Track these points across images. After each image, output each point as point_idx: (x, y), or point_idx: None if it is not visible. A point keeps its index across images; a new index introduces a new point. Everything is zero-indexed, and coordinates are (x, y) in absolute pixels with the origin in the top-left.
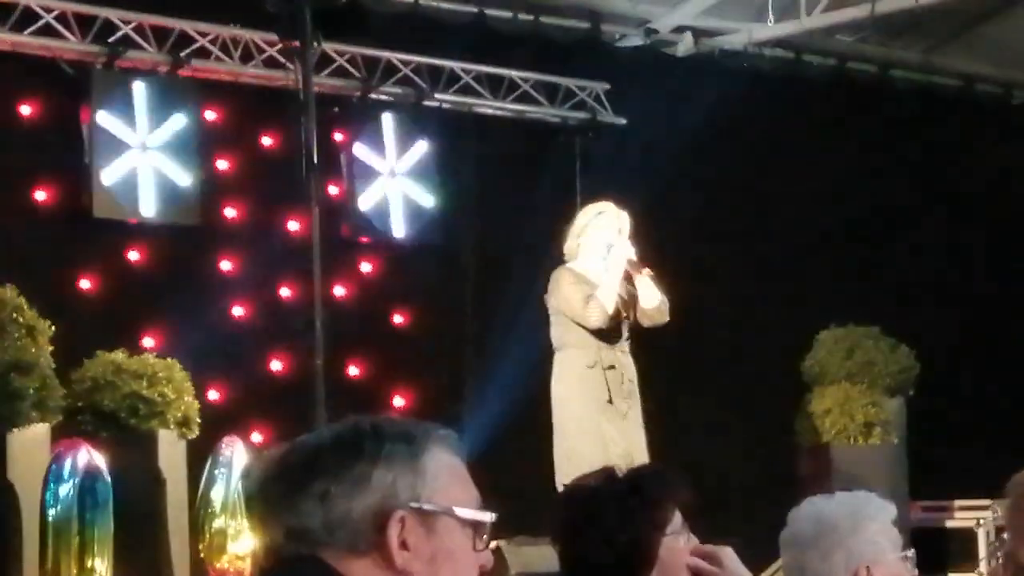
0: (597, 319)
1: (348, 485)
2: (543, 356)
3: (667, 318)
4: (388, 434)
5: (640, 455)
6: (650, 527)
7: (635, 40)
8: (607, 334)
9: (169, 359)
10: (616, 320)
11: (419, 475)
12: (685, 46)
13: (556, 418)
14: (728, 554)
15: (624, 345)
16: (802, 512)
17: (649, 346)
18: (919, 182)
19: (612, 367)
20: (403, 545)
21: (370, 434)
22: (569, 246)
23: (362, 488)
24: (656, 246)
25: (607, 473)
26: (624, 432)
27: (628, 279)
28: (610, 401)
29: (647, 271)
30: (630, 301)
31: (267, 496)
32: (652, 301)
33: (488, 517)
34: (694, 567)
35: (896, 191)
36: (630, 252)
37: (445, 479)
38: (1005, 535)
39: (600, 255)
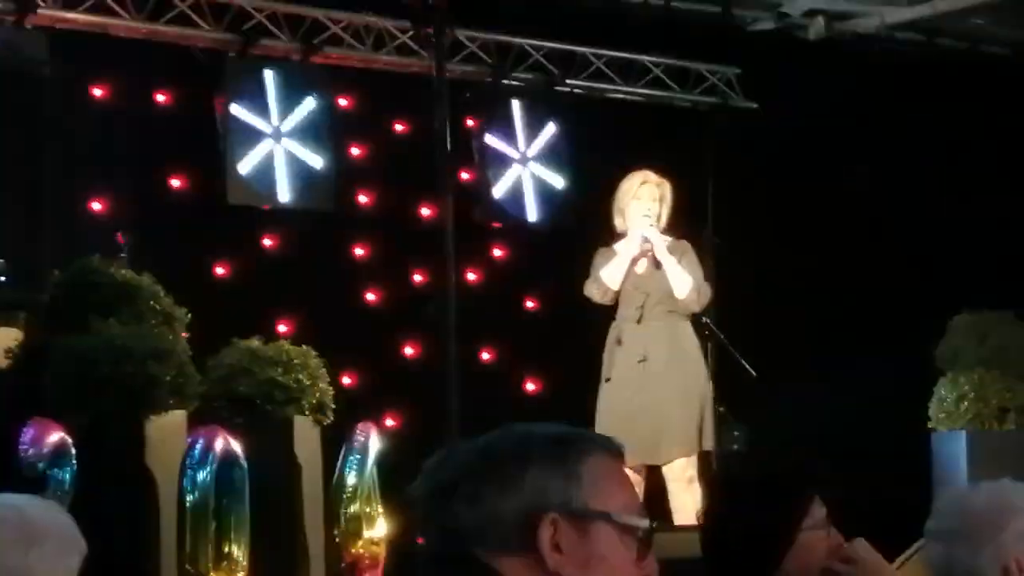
0: (595, 297)
1: (498, 486)
2: None
3: (699, 307)
4: (542, 437)
5: (655, 437)
6: (787, 518)
7: (767, 24)
8: (626, 310)
9: (304, 346)
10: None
11: (573, 478)
12: (816, 30)
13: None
14: (862, 546)
15: (650, 322)
16: (948, 504)
17: (778, 332)
18: None
19: (620, 342)
20: (556, 547)
21: (523, 438)
22: (616, 220)
23: (513, 489)
24: (786, 230)
25: (751, 460)
26: (627, 411)
27: (654, 260)
28: (607, 379)
29: (672, 256)
30: (649, 279)
31: (422, 497)
32: (682, 290)
33: (645, 523)
34: (831, 569)
35: None
36: (651, 234)
37: (602, 484)
38: None
39: (635, 227)
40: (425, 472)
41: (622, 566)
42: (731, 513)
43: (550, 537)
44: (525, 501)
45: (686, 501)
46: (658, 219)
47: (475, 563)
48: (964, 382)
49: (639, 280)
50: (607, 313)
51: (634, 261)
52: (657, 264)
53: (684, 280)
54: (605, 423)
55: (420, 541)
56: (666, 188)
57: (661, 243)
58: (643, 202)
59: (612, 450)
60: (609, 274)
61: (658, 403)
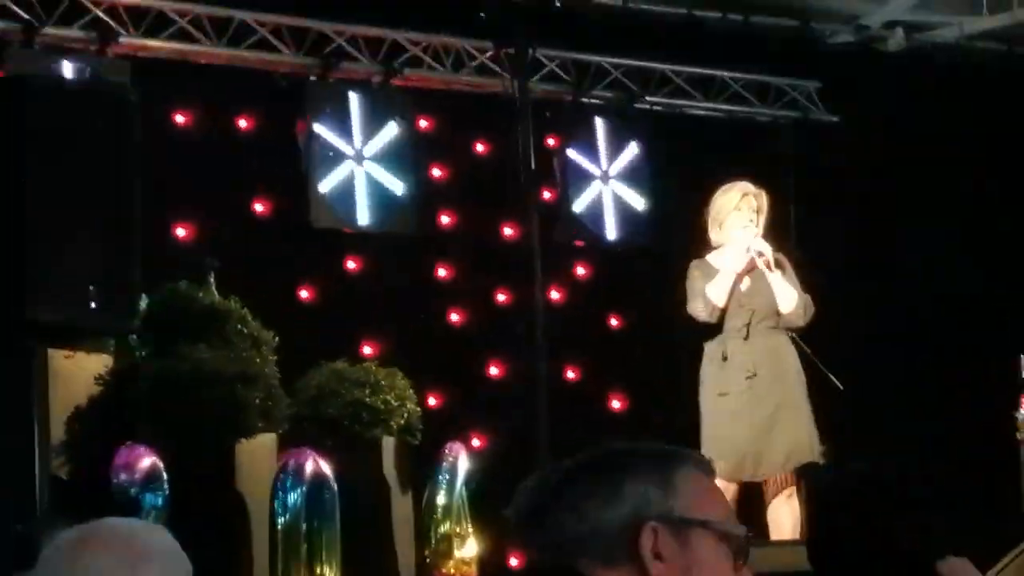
0: (701, 316)
1: (599, 499)
2: None
3: (803, 322)
4: (639, 452)
5: (759, 452)
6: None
7: (845, 37)
8: (732, 326)
9: (390, 367)
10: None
11: (671, 488)
12: (896, 41)
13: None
14: (960, 566)
15: (755, 339)
16: None
17: (867, 347)
18: None
19: (725, 358)
20: (657, 556)
21: (621, 452)
22: (712, 233)
23: (613, 501)
24: (867, 243)
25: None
26: (737, 426)
27: (762, 270)
28: (722, 394)
29: (777, 270)
30: (755, 295)
31: (524, 513)
32: (787, 305)
33: (742, 531)
34: None
35: None
36: (759, 245)
37: (697, 495)
38: None
39: (737, 241)
40: (525, 489)
41: (721, 573)
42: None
43: (651, 546)
44: (626, 512)
45: (784, 515)
46: (760, 229)
47: (579, 575)
48: None
49: (743, 296)
50: (691, 329)
51: (739, 276)
52: (763, 276)
53: (791, 295)
54: (715, 436)
55: (513, 561)
56: (763, 199)
57: (771, 253)
58: (744, 213)
59: (703, 465)
60: (716, 291)
61: (765, 419)
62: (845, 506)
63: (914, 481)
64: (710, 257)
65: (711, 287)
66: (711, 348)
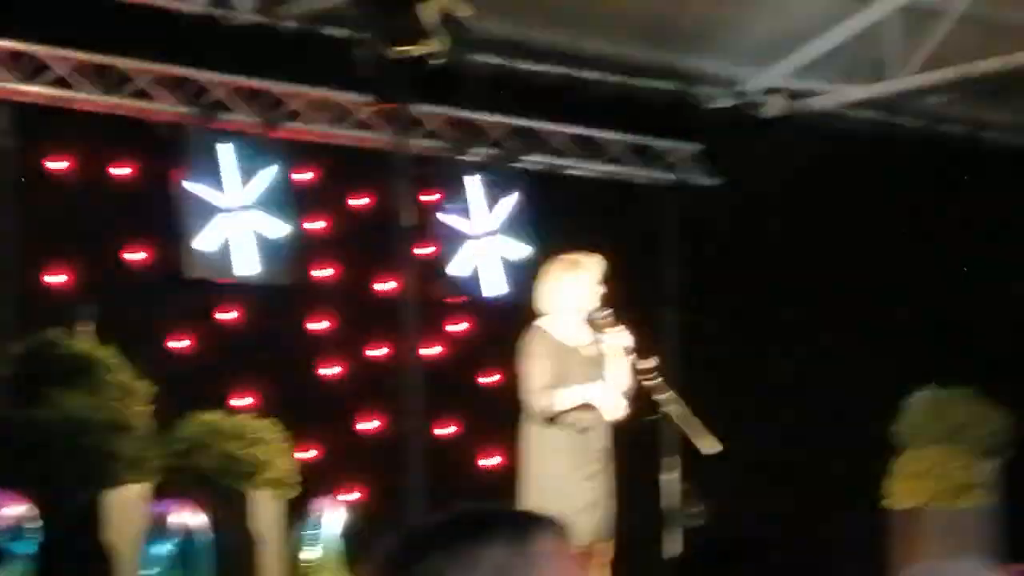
0: (541, 415)
1: (456, 564)
2: None
3: None
4: (499, 516)
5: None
6: None
7: (725, 101)
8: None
9: (265, 419)
10: None
11: (529, 557)
12: (775, 107)
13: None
14: None
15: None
16: None
17: (734, 405)
18: (1011, 244)
19: (586, 430)
20: None
21: (479, 516)
22: (541, 300)
23: (470, 566)
24: (746, 305)
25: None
26: (590, 498)
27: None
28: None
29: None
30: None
31: (382, 574)
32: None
33: None
34: None
35: (988, 252)
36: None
37: (554, 564)
38: None
39: (576, 313)
40: (382, 550)
41: None
42: None
43: None
44: None
45: None
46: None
47: None
48: (923, 459)
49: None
50: None
51: None
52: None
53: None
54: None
55: None
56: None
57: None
58: (585, 282)
59: (562, 531)
60: (569, 401)
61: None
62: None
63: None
64: (547, 324)
65: (568, 395)
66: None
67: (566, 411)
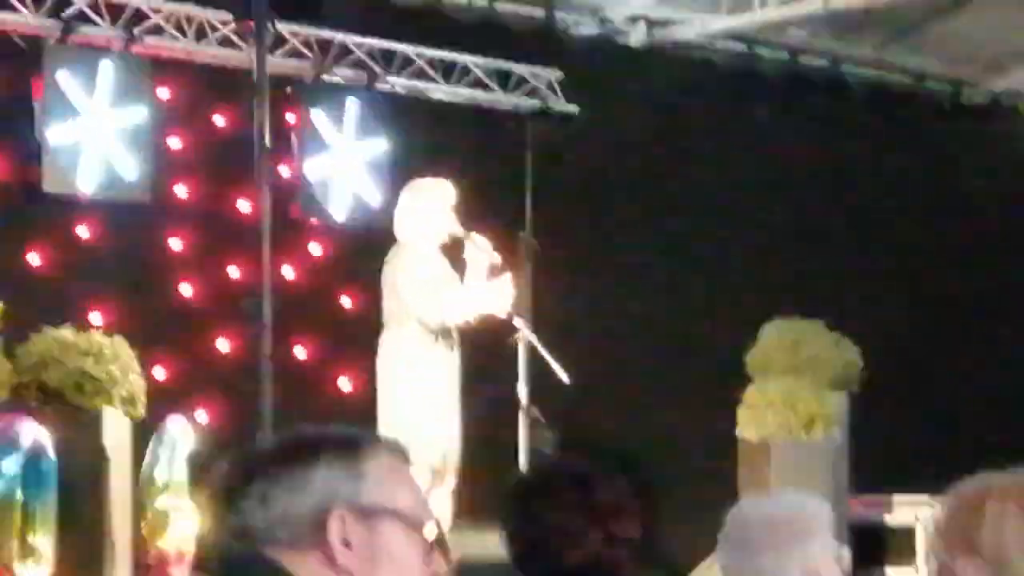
0: (435, 322)
1: (287, 485)
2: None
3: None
4: (330, 438)
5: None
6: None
7: (589, 29)
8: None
9: (116, 336)
10: None
11: (360, 477)
12: (638, 36)
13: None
14: None
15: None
16: (748, 514)
17: (590, 332)
18: (867, 177)
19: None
20: (345, 543)
21: (311, 439)
22: (402, 224)
23: (301, 487)
24: (603, 235)
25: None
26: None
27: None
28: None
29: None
30: None
31: (214, 498)
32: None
33: (430, 520)
34: None
35: (844, 185)
36: (489, 253)
37: (388, 483)
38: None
39: (435, 235)
40: (219, 471)
41: (410, 563)
42: (542, 513)
43: (339, 533)
44: (314, 499)
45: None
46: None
47: (265, 561)
48: (772, 390)
49: None
50: None
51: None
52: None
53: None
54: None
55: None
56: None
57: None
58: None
59: (397, 451)
60: (460, 309)
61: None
62: (544, 494)
63: (607, 483)
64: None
65: (456, 305)
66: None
67: (457, 315)
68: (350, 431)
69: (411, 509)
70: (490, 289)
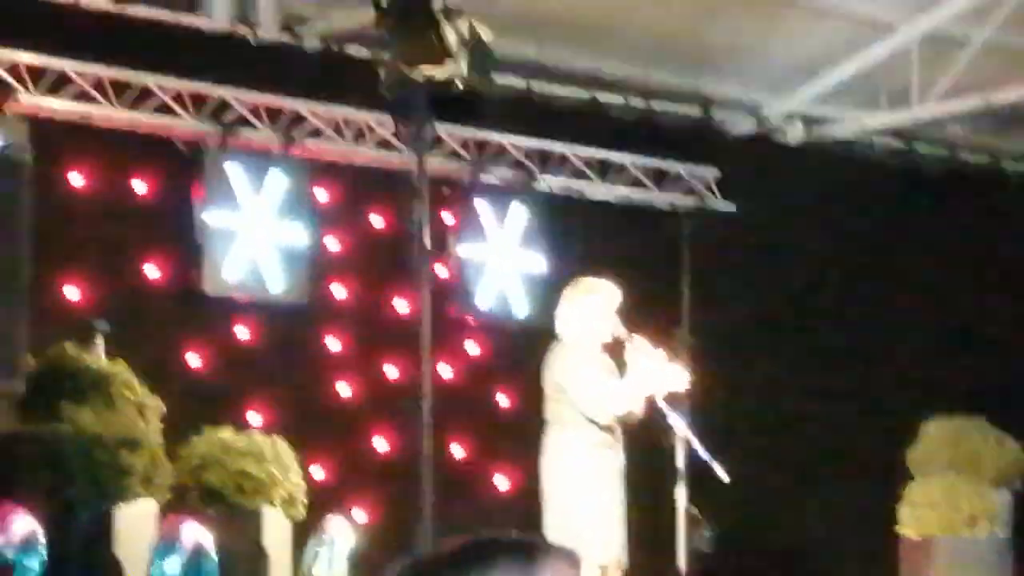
0: (606, 415)
1: None
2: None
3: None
4: (505, 544)
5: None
6: None
7: (746, 127)
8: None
9: (276, 437)
10: None
11: None
12: (796, 134)
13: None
14: None
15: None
16: None
17: (750, 430)
18: None
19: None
20: None
21: (488, 543)
22: (560, 324)
23: None
24: (760, 333)
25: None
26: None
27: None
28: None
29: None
30: None
31: None
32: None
33: None
34: None
35: (1006, 281)
36: (650, 354)
37: None
38: None
39: (593, 337)
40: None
41: None
42: None
43: None
44: None
45: None
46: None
47: None
48: (935, 487)
49: None
50: None
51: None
52: None
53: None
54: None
55: None
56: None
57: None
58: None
59: (570, 558)
60: (625, 403)
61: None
62: None
63: None
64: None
65: (625, 393)
66: (589, 435)
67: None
68: (525, 537)
69: None
70: (658, 373)
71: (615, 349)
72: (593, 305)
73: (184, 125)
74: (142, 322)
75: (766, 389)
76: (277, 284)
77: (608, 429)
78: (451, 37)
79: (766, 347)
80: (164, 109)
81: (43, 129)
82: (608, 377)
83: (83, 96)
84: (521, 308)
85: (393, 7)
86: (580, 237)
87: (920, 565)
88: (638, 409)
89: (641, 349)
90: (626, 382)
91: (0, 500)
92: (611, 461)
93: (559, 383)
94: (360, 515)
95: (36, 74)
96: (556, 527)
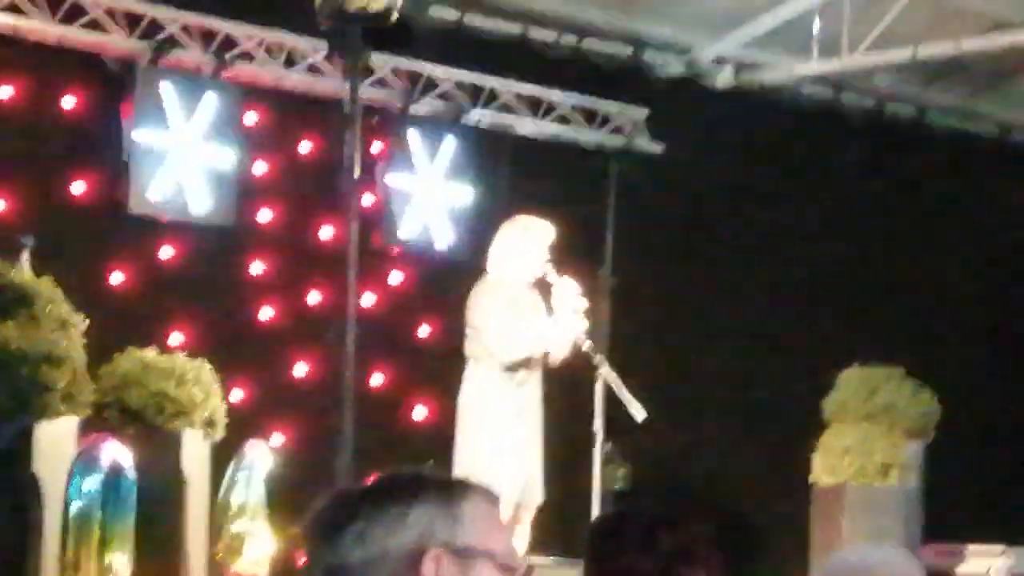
0: (511, 357)
1: (385, 525)
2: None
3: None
4: (427, 480)
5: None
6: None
7: (676, 69)
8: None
9: (199, 359)
10: None
11: (456, 519)
12: (725, 77)
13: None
14: None
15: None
16: (841, 567)
17: (668, 371)
18: (951, 224)
19: (523, 383)
20: None
21: (409, 480)
22: (491, 259)
23: (399, 527)
24: (684, 273)
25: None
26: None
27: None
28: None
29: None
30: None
31: (310, 536)
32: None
33: (522, 564)
34: None
35: (927, 232)
36: (578, 298)
37: (483, 526)
38: None
39: (527, 273)
40: (316, 509)
41: None
42: (616, 554)
43: (434, 572)
44: (411, 538)
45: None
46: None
47: None
48: (849, 435)
49: None
50: None
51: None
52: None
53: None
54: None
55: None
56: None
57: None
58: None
59: (490, 496)
60: (531, 345)
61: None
62: (621, 535)
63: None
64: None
65: (529, 340)
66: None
67: (525, 357)
68: (447, 475)
69: (504, 552)
70: (557, 325)
71: (543, 291)
72: (525, 242)
73: (116, 42)
74: (67, 239)
75: (686, 331)
76: (203, 206)
77: (524, 366)
78: None
79: (687, 288)
80: (95, 25)
81: None
82: (531, 317)
83: (12, 8)
84: (445, 240)
85: None
86: (507, 172)
87: (832, 512)
88: (559, 351)
89: (569, 290)
90: (547, 323)
91: None
92: (527, 399)
93: (472, 321)
94: (279, 439)
95: None
96: (466, 463)
